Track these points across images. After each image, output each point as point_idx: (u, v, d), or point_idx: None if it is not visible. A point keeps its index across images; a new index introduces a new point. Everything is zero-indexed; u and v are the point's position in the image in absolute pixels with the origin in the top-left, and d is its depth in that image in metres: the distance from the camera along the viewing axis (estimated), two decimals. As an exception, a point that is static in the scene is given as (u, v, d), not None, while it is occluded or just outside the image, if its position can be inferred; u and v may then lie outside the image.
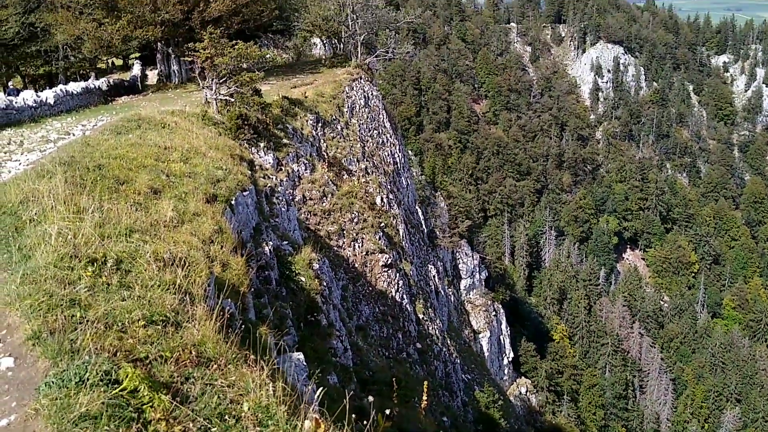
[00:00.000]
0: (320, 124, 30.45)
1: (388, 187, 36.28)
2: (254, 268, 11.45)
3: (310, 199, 25.87)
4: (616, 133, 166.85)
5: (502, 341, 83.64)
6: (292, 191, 24.17)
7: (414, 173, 78.31)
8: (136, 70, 42.11)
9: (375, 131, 38.72)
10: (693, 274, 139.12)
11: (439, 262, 56.53)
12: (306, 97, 30.49)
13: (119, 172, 10.53)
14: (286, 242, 16.60)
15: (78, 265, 6.42)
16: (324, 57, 46.74)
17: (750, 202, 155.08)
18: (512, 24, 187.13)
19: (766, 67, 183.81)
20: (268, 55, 35.67)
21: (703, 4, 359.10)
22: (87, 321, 5.47)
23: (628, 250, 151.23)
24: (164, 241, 8.09)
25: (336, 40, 45.18)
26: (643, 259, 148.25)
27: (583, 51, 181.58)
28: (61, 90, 25.54)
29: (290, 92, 30.43)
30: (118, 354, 5.15)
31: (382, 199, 33.35)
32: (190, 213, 9.96)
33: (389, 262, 29.24)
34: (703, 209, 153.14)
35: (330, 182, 27.76)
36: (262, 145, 22.59)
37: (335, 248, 26.14)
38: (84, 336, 5.23)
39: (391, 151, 40.78)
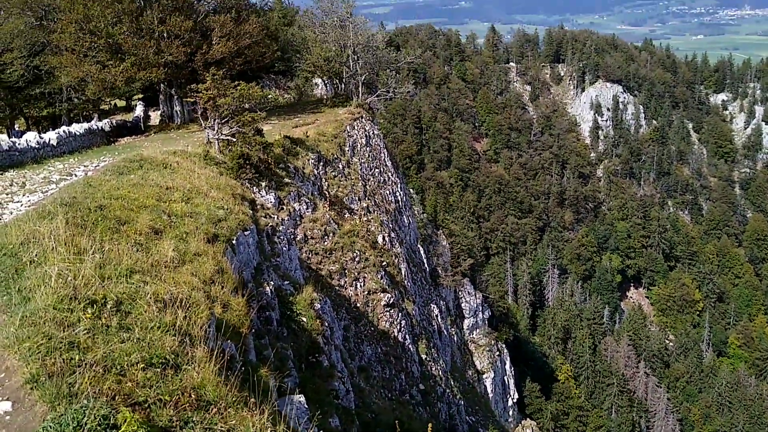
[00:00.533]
0: (322, 163, 30.59)
1: (390, 225, 36.28)
2: (255, 309, 11.36)
3: (312, 238, 25.84)
4: (616, 170, 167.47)
5: (507, 382, 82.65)
6: (293, 230, 24.16)
7: (416, 212, 78.40)
8: (139, 110, 42.50)
9: (376, 170, 38.88)
10: (698, 313, 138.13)
11: (441, 302, 56.18)
12: (307, 137, 30.69)
13: (121, 212, 10.53)
14: (288, 282, 16.52)
15: (77, 306, 6.37)
16: (325, 97, 47.20)
17: (753, 240, 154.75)
18: (511, 64, 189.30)
19: (764, 105, 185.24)
20: (269, 96, 36.06)
21: (700, 44, 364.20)
22: (86, 364, 5.40)
23: (631, 288, 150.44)
24: (165, 282, 8.04)
25: (337, 80, 45.66)
26: (647, 297, 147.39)
27: (583, 90, 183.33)
28: (63, 131, 25.74)
29: (292, 132, 30.64)
30: (116, 398, 5.07)
31: (383, 238, 33.31)
32: (191, 253, 9.93)
33: (391, 301, 29.07)
34: (706, 247, 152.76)
35: (331, 221, 27.76)
36: (263, 184, 22.65)
37: (337, 288, 26.01)
38: (82, 379, 5.15)
39: (392, 189, 40.89)
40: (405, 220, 43.66)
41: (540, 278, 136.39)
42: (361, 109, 40.62)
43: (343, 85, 45.05)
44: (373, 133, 40.45)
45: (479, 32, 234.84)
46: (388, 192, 39.62)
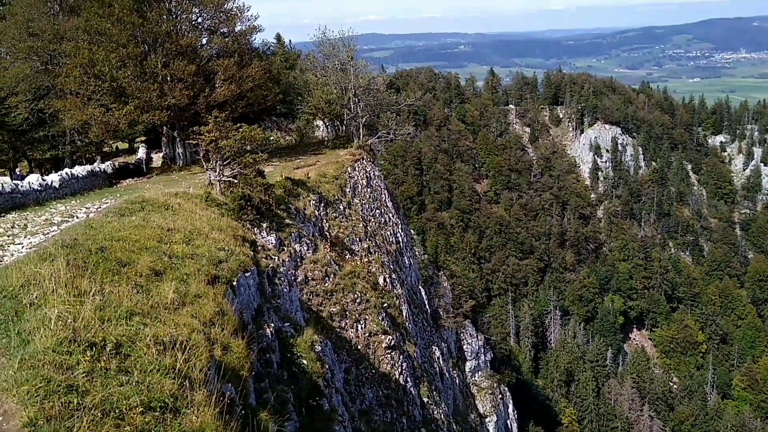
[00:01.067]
0: (323, 204, 30.68)
1: (391, 266, 36.20)
2: (255, 351, 11.28)
3: (313, 279, 25.76)
4: (617, 211, 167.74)
5: (510, 426, 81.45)
6: (294, 271, 24.10)
7: (416, 252, 78.28)
8: (141, 152, 42.81)
9: (377, 211, 38.98)
10: (701, 354, 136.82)
11: (443, 344, 55.73)
12: (309, 178, 30.85)
13: (121, 254, 10.53)
14: (288, 324, 16.41)
15: (77, 349, 6.32)
16: (327, 138, 47.60)
17: (755, 281, 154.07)
18: (511, 106, 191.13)
19: (763, 147, 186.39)
20: (271, 138, 36.38)
21: (697, 86, 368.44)
22: (84, 407, 5.34)
23: (634, 329, 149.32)
24: (165, 324, 7.99)
25: (338, 122, 46.11)
26: (650, 339, 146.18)
27: (582, 131, 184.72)
28: (66, 173, 25.91)
29: (293, 173, 30.81)
30: (114, 442, 5.00)
31: (384, 279, 33.20)
32: (192, 295, 9.90)
33: (392, 343, 28.84)
34: (708, 288, 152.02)
35: (332, 262, 27.71)
36: (264, 225, 22.69)
37: (338, 330, 25.83)
38: (81, 423, 5.09)
39: (393, 230, 40.92)
40: (406, 261, 43.58)
41: (542, 320, 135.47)
42: (362, 150, 40.92)
43: (344, 127, 45.47)
44: (374, 174, 40.68)
45: (478, 75, 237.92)
46: (389, 233, 39.65)
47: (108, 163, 34.94)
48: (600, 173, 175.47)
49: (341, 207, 33.01)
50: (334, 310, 26.22)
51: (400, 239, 42.22)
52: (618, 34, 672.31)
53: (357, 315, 27.59)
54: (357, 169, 37.79)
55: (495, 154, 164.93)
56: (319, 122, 54.37)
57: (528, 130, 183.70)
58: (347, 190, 34.71)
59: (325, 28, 44.95)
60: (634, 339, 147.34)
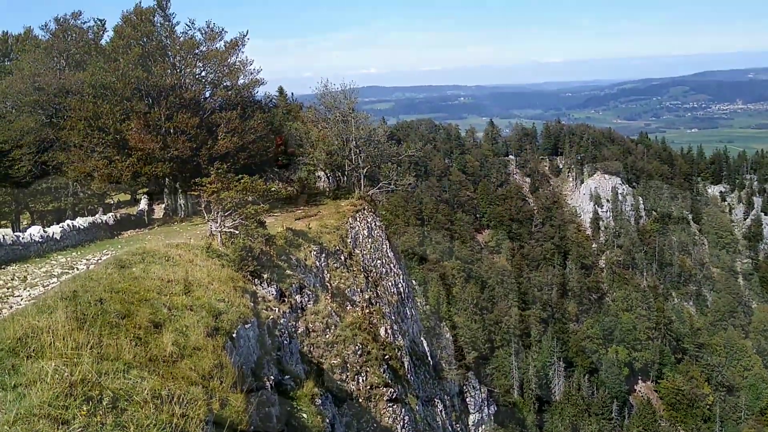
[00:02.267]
0: (324, 255, 30.63)
1: (392, 317, 35.92)
2: (254, 405, 11.10)
3: (314, 331, 25.54)
4: (619, 261, 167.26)
5: (514, 480, 79.58)
6: (295, 323, 23.91)
7: (418, 303, 77.76)
8: (143, 204, 42.97)
9: (378, 261, 38.88)
10: (708, 406, 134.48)
11: (446, 396, 54.85)
12: (309, 229, 30.89)
13: (121, 306, 10.48)
14: (288, 377, 16.21)
15: (73, 403, 6.24)
16: (328, 189, 47.83)
17: (759, 331, 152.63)
18: (510, 156, 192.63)
19: (762, 196, 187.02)
20: (273, 188, 36.56)
21: (695, 137, 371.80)
22: (78, 464, 5.22)
23: (639, 381, 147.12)
24: (163, 377, 7.90)
25: (339, 173, 46.39)
26: (656, 390, 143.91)
27: (582, 182, 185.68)
28: (68, 225, 25.95)
29: (294, 224, 30.87)
30: (108, 501, 4.87)
31: (386, 330, 32.91)
32: (191, 347, 9.81)
33: (394, 396, 28.40)
34: (712, 338, 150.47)
35: (333, 314, 27.51)
36: (265, 276, 22.62)
37: (339, 382, 25.47)
38: (74, 481, 4.98)
39: (395, 281, 40.74)
40: (408, 312, 43.26)
41: (546, 371, 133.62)
42: (363, 201, 41.07)
43: (345, 178, 45.73)
44: (374, 224, 40.72)
45: (478, 126, 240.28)
46: (390, 284, 39.46)
47: (110, 214, 35.04)
48: (601, 223, 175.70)
49: (342, 258, 32.94)
50: (335, 362, 25.92)
51: (401, 290, 42.00)
52: (615, 86, 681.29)
53: (358, 367, 27.25)
54: (358, 219, 37.87)
55: (496, 205, 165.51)
56: (320, 173, 54.72)
57: (528, 180, 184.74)
58: (348, 240, 34.71)
59: (326, 81, 45.64)
60: (640, 391, 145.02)
